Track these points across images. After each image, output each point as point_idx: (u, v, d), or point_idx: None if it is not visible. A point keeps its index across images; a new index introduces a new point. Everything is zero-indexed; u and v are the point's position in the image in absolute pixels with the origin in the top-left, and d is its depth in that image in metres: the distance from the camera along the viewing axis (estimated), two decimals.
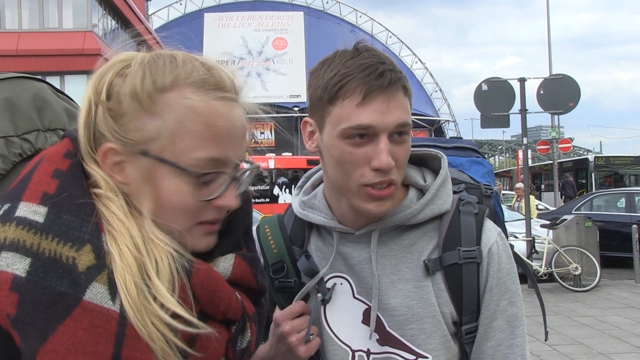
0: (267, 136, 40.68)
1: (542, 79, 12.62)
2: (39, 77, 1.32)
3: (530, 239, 11.48)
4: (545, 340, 2.40)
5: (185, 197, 1.00)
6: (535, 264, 11.31)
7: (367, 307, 1.43)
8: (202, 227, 1.04)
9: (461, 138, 2.16)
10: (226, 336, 1.03)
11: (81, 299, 0.87)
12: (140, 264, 0.92)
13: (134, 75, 0.99)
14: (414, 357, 1.40)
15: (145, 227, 0.97)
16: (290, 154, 24.96)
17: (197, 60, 1.04)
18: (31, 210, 0.92)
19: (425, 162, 1.54)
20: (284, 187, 21.75)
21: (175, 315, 0.92)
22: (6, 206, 0.94)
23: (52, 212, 0.92)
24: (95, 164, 1.00)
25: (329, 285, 1.46)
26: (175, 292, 0.93)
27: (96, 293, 0.88)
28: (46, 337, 0.86)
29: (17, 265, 0.88)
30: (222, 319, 1.02)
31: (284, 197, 21.49)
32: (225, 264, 1.07)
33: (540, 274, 11.26)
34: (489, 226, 1.46)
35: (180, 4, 55.17)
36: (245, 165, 1.09)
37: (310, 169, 1.61)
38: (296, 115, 36.94)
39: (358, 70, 1.28)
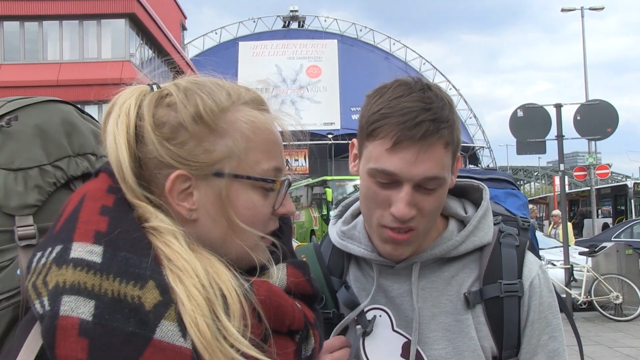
0: (301, 163, 40.75)
1: (578, 105, 12.45)
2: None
3: (569, 266, 11.23)
4: None
5: (260, 209, 1.04)
6: (574, 292, 11.05)
7: (406, 340, 1.41)
8: (265, 240, 1.07)
9: (495, 169, 2.12)
10: (293, 347, 1.03)
11: (152, 338, 0.86)
12: (209, 304, 0.90)
13: (189, 101, 1.00)
14: None
15: (205, 261, 0.95)
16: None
17: (229, 82, 1.09)
18: (87, 251, 0.90)
19: (465, 194, 1.53)
20: None
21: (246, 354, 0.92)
22: (58, 248, 0.91)
23: (109, 251, 0.90)
24: (139, 198, 0.99)
25: (369, 317, 1.44)
26: (248, 326, 0.92)
27: (166, 331, 0.87)
28: None
29: (82, 308, 0.86)
30: (286, 331, 1.02)
31: None
32: (280, 274, 1.07)
33: (579, 302, 11.01)
34: (531, 259, 1.44)
35: (216, 33, 56.31)
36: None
37: None
38: (330, 142, 37.11)
39: (397, 114, 1.25)
